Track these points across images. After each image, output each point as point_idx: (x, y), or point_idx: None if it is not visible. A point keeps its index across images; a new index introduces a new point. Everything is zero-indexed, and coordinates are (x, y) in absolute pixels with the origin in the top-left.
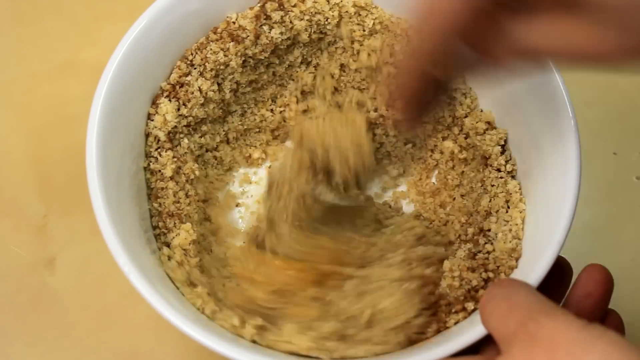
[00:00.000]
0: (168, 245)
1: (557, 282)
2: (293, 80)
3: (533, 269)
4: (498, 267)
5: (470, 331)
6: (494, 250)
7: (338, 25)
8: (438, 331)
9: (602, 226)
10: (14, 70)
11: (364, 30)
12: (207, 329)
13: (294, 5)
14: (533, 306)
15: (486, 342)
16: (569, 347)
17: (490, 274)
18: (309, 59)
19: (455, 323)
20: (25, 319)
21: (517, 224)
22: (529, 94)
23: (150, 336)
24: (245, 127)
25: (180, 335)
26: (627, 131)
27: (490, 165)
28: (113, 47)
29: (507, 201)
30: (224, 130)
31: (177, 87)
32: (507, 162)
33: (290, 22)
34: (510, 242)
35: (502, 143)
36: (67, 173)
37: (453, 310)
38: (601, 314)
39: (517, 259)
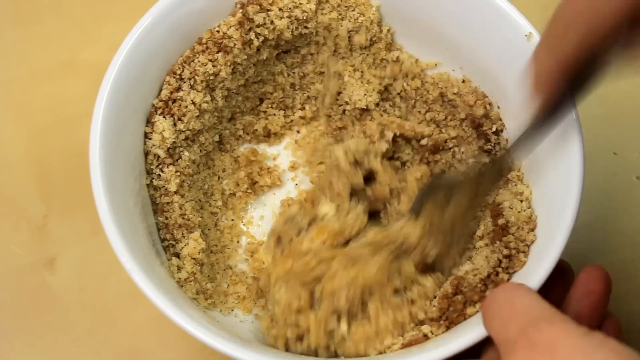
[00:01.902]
0: (178, 255)
1: (558, 284)
2: (283, 75)
3: (534, 272)
4: (518, 245)
5: (471, 332)
6: (509, 222)
7: (316, 16)
8: (462, 316)
9: (602, 226)
10: (14, 70)
11: (339, 14)
12: (210, 328)
13: (272, 3)
14: (535, 312)
15: (488, 345)
16: (569, 354)
17: (513, 252)
18: (296, 55)
19: (475, 313)
20: (25, 319)
21: (527, 197)
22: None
23: (151, 336)
24: (236, 129)
25: (181, 335)
26: (627, 131)
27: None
28: (113, 47)
29: (513, 177)
30: (217, 134)
31: (170, 102)
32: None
33: (272, 22)
34: (525, 210)
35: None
36: (67, 173)
37: (471, 300)
38: (601, 313)
39: (532, 230)
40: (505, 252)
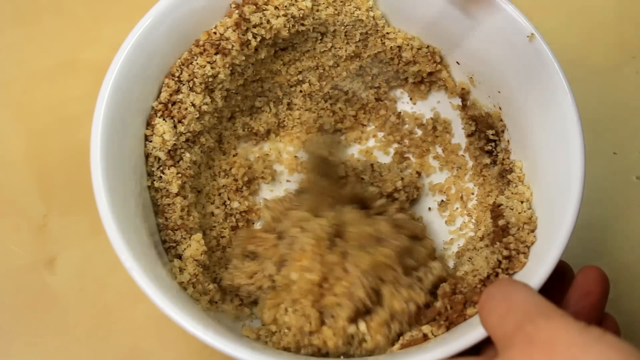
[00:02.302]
0: (180, 257)
1: (557, 285)
2: (281, 73)
3: (534, 273)
4: (518, 246)
5: (471, 332)
6: (509, 223)
7: (312, 13)
8: (462, 317)
9: (602, 226)
10: (14, 70)
11: (335, 10)
12: (210, 328)
13: (267, 2)
14: (532, 307)
15: (487, 343)
16: (567, 349)
17: (513, 252)
18: (294, 52)
19: (475, 314)
20: (25, 319)
21: (527, 199)
22: (532, 94)
23: (150, 336)
24: (235, 128)
25: (181, 335)
26: (627, 131)
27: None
28: (113, 47)
29: (514, 178)
30: (217, 134)
31: (170, 105)
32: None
33: (268, 21)
34: (525, 211)
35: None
36: (67, 173)
37: (471, 301)
38: (599, 314)
39: (533, 231)
40: (505, 253)
